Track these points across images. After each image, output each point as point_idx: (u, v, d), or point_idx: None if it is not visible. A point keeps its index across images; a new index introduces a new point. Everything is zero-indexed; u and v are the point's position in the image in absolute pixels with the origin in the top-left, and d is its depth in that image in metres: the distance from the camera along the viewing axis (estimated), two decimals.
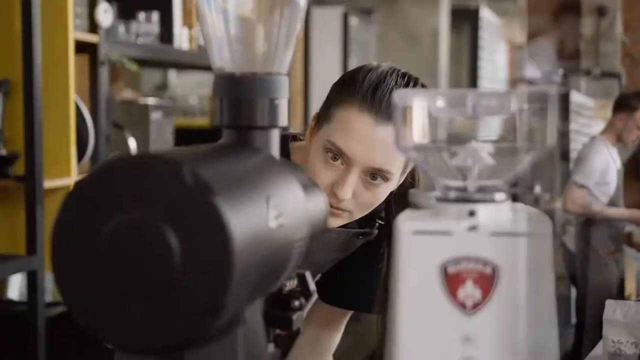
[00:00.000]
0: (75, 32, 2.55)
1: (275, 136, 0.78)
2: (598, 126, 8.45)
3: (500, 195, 0.66)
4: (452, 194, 0.67)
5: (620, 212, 4.20)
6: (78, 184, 0.60)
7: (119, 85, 4.05)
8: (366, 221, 1.36)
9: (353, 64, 5.64)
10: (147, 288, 0.58)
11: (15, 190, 2.49)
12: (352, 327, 1.56)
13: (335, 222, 1.27)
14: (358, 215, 1.28)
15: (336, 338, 1.54)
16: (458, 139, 0.68)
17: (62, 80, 2.48)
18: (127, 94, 4.24)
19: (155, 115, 2.93)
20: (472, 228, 0.64)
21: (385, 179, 1.23)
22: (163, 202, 0.58)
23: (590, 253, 4.24)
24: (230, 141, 0.77)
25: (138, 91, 4.87)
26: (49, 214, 2.43)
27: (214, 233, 0.57)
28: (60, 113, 2.49)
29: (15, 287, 2.69)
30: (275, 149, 0.77)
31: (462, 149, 0.67)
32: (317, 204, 0.81)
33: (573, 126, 7.04)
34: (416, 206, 0.72)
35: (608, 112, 8.59)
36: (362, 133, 1.21)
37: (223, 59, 0.78)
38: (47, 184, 2.42)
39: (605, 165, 4.11)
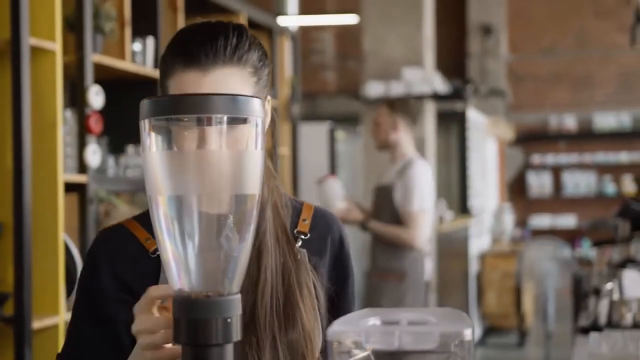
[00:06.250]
0: (65, 174, 2.64)
1: (229, 351, 0.85)
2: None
3: None
4: None
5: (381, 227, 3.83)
6: None
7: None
8: None
9: (342, 175, 5.79)
10: None
11: (3, 330, 2.54)
12: None
13: None
14: None
15: None
16: None
17: (51, 221, 2.56)
18: (124, 209, 4.29)
19: None
20: None
21: None
22: None
23: (362, 278, 3.84)
24: (188, 358, 0.85)
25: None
26: (37, 354, 2.47)
27: None
28: (49, 253, 2.56)
29: None
30: None
31: None
32: None
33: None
34: None
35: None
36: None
37: (181, 281, 0.87)
38: (36, 324, 2.47)
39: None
